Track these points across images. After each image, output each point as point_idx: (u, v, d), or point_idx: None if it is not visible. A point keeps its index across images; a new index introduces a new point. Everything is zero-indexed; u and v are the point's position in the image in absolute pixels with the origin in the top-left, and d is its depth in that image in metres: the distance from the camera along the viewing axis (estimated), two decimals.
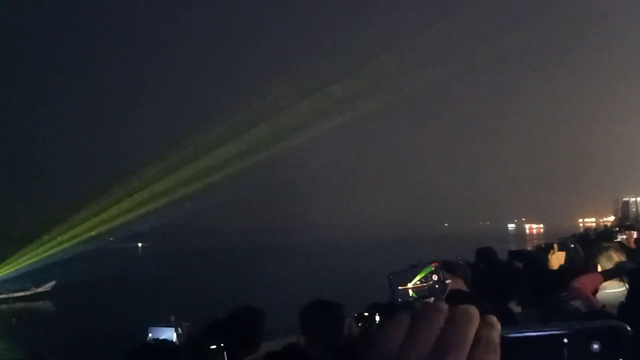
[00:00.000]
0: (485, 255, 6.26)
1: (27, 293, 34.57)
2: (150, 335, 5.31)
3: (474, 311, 0.62)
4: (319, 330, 3.28)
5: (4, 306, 32.31)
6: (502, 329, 0.62)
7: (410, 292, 2.02)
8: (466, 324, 0.61)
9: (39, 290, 34.92)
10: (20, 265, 45.04)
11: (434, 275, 2.12)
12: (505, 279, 4.98)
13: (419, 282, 2.06)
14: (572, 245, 6.70)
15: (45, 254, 49.92)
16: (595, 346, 0.57)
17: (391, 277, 2.03)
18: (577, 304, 3.96)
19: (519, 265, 6.03)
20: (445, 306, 0.63)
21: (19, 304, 32.67)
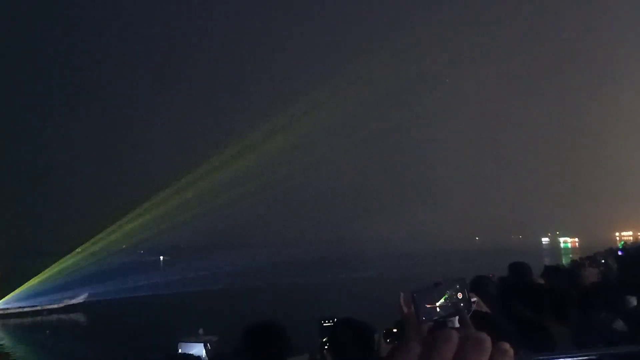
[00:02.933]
0: (518, 270, 6.06)
1: (61, 305, 35.24)
2: (179, 350, 5.35)
3: (485, 339, 0.61)
4: (344, 349, 3.25)
5: (38, 318, 33.03)
6: (515, 355, 0.61)
7: (437, 309, 1.96)
8: (477, 352, 0.60)
9: (72, 302, 35.58)
10: (55, 277, 46.09)
11: (459, 293, 2.05)
12: (540, 296, 4.81)
13: (443, 300, 2.00)
14: (604, 261, 6.45)
15: (77, 266, 50.99)
16: None
17: (415, 295, 1.98)
18: (619, 325, 3.78)
19: (554, 281, 5.83)
20: (455, 334, 0.62)
21: (53, 316, 33.32)
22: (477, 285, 5.53)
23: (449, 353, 0.60)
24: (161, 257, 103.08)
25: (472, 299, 1.99)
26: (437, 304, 1.86)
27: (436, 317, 1.78)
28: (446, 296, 1.94)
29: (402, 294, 2.30)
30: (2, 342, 27.34)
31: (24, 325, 31.49)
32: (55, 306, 35.10)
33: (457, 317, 1.94)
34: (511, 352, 0.62)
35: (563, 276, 5.76)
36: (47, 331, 28.57)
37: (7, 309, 34.58)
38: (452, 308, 1.90)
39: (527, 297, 4.67)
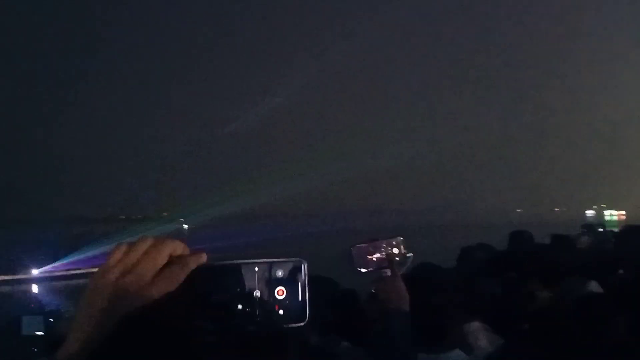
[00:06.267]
0: (517, 239, 6.02)
1: None
2: None
3: (174, 240, 0.74)
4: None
5: (82, 281, 34.79)
6: (210, 260, 0.74)
7: (372, 261, 2.18)
8: (159, 247, 0.72)
9: None
10: (99, 243, 48.12)
11: (394, 249, 2.28)
12: (533, 263, 4.80)
13: (379, 255, 2.20)
14: (601, 230, 6.38)
15: (120, 232, 53.10)
16: (280, 273, 0.75)
17: (352, 248, 2.23)
18: (592, 286, 3.86)
19: (561, 249, 5.76)
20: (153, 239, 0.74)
21: None
22: (466, 252, 5.57)
23: (139, 250, 0.72)
24: (185, 226, 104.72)
25: (407, 255, 2.24)
26: (373, 257, 2.15)
27: (371, 269, 2.15)
28: (382, 250, 2.17)
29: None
30: (47, 303, 28.99)
31: (69, 288, 33.21)
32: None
33: (388, 270, 2.18)
34: (203, 257, 0.73)
35: (561, 244, 5.70)
36: None
37: (54, 272, 36.54)
38: (386, 261, 2.17)
39: (511, 264, 4.67)
